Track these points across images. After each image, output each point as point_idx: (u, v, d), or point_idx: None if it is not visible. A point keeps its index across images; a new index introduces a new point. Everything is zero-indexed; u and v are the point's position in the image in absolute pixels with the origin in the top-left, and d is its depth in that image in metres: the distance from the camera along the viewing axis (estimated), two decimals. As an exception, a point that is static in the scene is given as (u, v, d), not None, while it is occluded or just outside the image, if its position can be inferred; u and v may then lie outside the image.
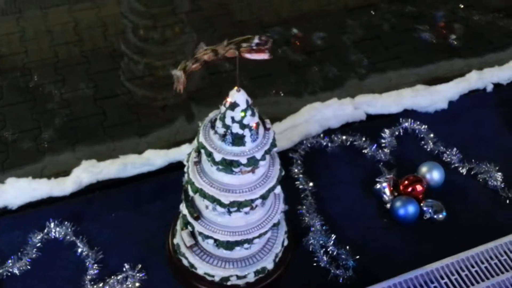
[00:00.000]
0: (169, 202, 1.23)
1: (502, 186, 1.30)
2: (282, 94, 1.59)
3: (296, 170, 1.33)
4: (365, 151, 1.39)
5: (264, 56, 0.86)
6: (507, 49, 1.69)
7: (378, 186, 1.29)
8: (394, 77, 1.62)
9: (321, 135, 1.41)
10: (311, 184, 1.30)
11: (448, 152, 1.37)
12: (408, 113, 1.49)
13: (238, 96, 0.88)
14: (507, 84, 1.59)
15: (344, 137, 1.42)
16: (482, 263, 1.04)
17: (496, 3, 1.96)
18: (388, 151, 1.39)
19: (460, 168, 1.34)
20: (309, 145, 1.39)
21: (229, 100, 0.89)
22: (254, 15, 2.07)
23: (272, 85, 1.62)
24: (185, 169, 1.01)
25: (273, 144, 0.95)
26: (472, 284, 1.00)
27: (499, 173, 1.32)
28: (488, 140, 1.44)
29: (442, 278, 1.03)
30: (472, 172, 1.34)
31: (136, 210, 1.26)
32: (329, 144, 1.39)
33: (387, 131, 1.42)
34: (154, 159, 1.30)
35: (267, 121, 0.96)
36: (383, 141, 1.41)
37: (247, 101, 0.89)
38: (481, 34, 1.83)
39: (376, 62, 1.69)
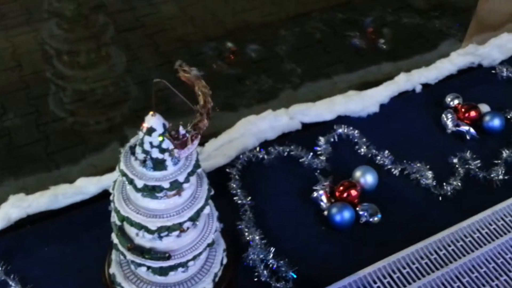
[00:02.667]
0: (104, 231, 1.19)
1: (434, 184, 1.35)
2: (217, 110, 1.62)
3: (234, 186, 1.33)
4: (302, 160, 1.41)
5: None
6: (434, 50, 1.77)
7: (315, 194, 1.31)
8: (327, 84, 1.66)
9: (258, 148, 1.42)
10: (249, 198, 1.31)
11: (380, 155, 1.41)
12: (342, 119, 1.52)
13: (154, 121, 0.87)
14: (435, 84, 1.65)
15: (281, 148, 1.43)
16: (413, 263, 1.07)
17: (422, 5, 2.05)
18: (324, 159, 1.41)
19: (393, 170, 1.38)
20: (246, 159, 1.40)
21: (145, 125, 0.87)
22: (197, 28, 2.09)
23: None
24: (111, 198, 0.99)
25: (196, 165, 0.94)
26: (404, 286, 1.02)
27: (430, 172, 1.36)
28: (418, 140, 1.49)
29: (375, 282, 1.05)
30: (405, 173, 1.38)
31: (71, 242, 1.22)
32: (266, 156, 1.40)
33: (322, 138, 1.45)
34: (86, 187, 1.27)
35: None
36: (319, 149, 1.43)
37: (164, 125, 0.88)
38: (409, 36, 1.90)
39: (309, 71, 1.73)
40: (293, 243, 1.22)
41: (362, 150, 1.43)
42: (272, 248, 1.19)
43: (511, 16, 1.90)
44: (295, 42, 1.89)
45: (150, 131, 0.88)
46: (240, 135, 1.42)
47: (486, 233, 1.10)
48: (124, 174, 0.91)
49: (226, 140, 1.41)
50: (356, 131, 1.47)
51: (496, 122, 1.48)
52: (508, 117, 1.53)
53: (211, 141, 1.41)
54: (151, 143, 0.88)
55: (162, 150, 0.89)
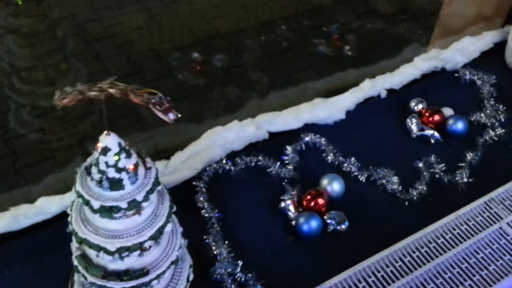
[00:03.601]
0: (67, 251, 1.16)
1: (400, 189, 1.36)
2: (184, 122, 1.61)
3: (201, 199, 1.31)
4: (270, 170, 1.40)
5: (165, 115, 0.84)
6: (398, 55, 1.79)
7: (282, 204, 1.30)
8: (294, 92, 1.67)
9: (224, 159, 1.41)
10: (216, 211, 1.29)
11: (347, 162, 1.42)
12: (309, 127, 1.53)
13: (108, 140, 0.85)
14: (400, 89, 1.67)
15: (248, 159, 1.42)
16: (379, 271, 1.07)
17: (386, 11, 2.07)
18: (291, 168, 1.41)
19: (360, 176, 1.39)
20: (213, 171, 1.38)
21: (100, 145, 0.86)
22: (165, 37, 2.07)
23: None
24: (69, 219, 0.97)
25: (156, 183, 0.92)
26: (370, 294, 1.03)
27: (396, 177, 1.37)
28: (384, 145, 1.50)
29: (342, 292, 1.05)
30: (371, 179, 1.39)
31: (33, 264, 1.18)
32: (233, 168, 1.39)
33: (289, 147, 1.45)
34: (48, 206, 1.23)
35: (148, 159, 0.93)
36: (286, 158, 1.43)
37: (119, 144, 0.86)
38: (374, 42, 1.93)
39: (276, 79, 1.74)
40: (261, 255, 1.21)
41: (329, 157, 1.44)
42: (240, 262, 1.17)
43: (473, 20, 1.94)
44: (261, 51, 1.90)
45: (105, 150, 0.86)
46: (206, 146, 1.41)
47: (450, 238, 1.12)
48: (80, 195, 0.89)
49: (192, 152, 1.40)
50: (323, 139, 1.47)
51: (460, 126, 1.50)
52: (471, 119, 1.56)
53: (177, 154, 1.39)
54: (106, 162, 0.86)
55: (119, 170, 0.87)
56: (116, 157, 0.86)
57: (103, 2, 3.10)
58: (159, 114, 0.84)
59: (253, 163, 1.41)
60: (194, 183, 1.34)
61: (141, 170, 0.92)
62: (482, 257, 1.08)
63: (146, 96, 0.84)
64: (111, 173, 0.87)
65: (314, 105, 1.56)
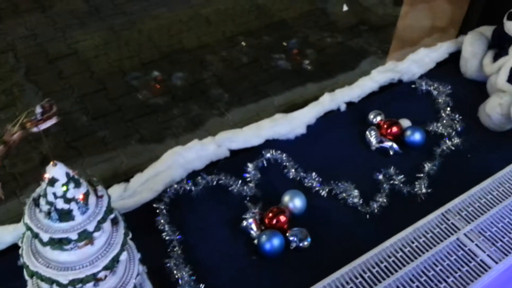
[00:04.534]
0: (23, 281, 1.13)
1: (361, 202, 1.37)
2: (144, 142, 1.59)
3: (162, 221, 1.29)
4: (231, 188, 1.40)
5: (52, 121, 0.82)
6: (356, 68, 1.82)
7: (244, 223, 1.30)
8: (254, 109, 1.67)
9: (185, 179, 1.40)
10: (178, 233, 1.28)
11: (308, 177, 1.42)
12: (270, 143, 1.53)
13: (55, 170, 0.83)
14: (359, 102, 1.69)
15: (209, 177, 1.41)
16: (339, 288, 1.08)
17: (345, 25, 2.11)
18: (253, 185, 1.41)
19: (321, 191, 1.40)
20: (173, 191, 1.37)
21: (47, 176, 0.83)
22: (131, 52, 2.05)
23: (132, 134, 1.60)
24: (20, 252, 0.93)
25: (108, 211, 0.90)
26: (331, 312, 1.03)
27: (357, 190, 1.39)
28: (345, 159, 1.51)
29: (303, 312, 1.05)
30: (333, 193, 1.40)
31: (-14, 298, 1.15)
32: (193, 188, 1.38)
33: (250, 165, 1.44)
34: (1, 236, 1.20)
35: (99, 187, 0.91)
36: (247, 175, 1.43)
37: (67, 174, 0.84)
38: (333, 56, 1.95)
39: (236, 96, 1.74)
40: (224, 276, 1.20)
41: (291, 173, 1.44)
42: (202, 285, 1.16)
43: (428, 31, 1.99)
44: (222, 67, 1.90)
45: (52, 181, 0.83)
46: (167, 167, 1.39)
47: (409, 251, 1.13)
48: (29, 228, 0.86)
49: (152, 173, 1.38)
50: (284, 155, 1.48)
51: (417, 136, 1.53)
52: (429, 130, 1.59)
53: (137, 176, 1.37)
54: (54, 193, 0.84)
55: (67, 200, 0.85)
56: (64, 188, 0.84)
57: (65, 20, 3.06)
58: (45, 126, 0.83)
59: (215, 182, 1.40)
60: (154, 205, 1.32)
61: (92, 199, 0.89)
62: (440, 270, 1.09)
63: (26, 130, 0.83)
64: (60, 204, 0.84)
65: (275, 120, 1.56)
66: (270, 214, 1.30)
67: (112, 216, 0.93)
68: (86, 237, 0.87)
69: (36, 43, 2.99)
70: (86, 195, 0.88)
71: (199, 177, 1.39)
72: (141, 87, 1.82)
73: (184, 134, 1.62)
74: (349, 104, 1.67)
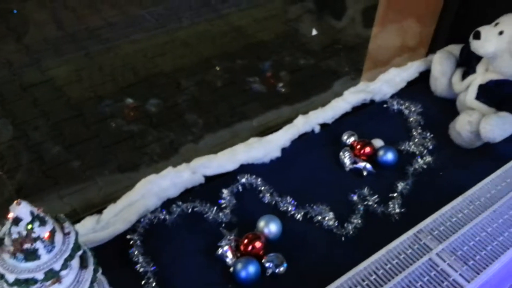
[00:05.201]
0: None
1: (336, 224, 1.38)
2: (118, 171, 1.58)
3: (136, 253, 1.27)
4: (207, 215, 1.39)
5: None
6: (329, 90, 1.85)
7: (220, 251, 1.29)
8: (229, 133, 1.67)
9: (159, 208, 1.39)
10: (152, 264, 1.26)
11: (284, 201, 1.43)
12: (245, 168, 1.53)
13: (19, 209, 0.82)
14: (332, 123, 1.71)
15: (184, 205, 1.40)
16: (314, 315, 1.07)
17: (318, 46, 2.14)
18: (229, 211, 1.40)
19: (296, 215, 1.40)
20: (147, 221, 1.35)
21: (11, 215, 0.82)
22: (106, 78, 2.04)
23: (105, 163, 1.59)
24: (-15, 294, 0.91)
25: (75, 248, 0.89)
26: None
27: (331, 212, 1.39)
28: (320, 181, 1.52)
29: None
30: (308, 216, 1.40)
31: None
32: (168, 217, 1.37)
33: (225, 191, 1.44)
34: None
35: (66, 224, 0.90)
36: (223, 201, 1.42)
37: (31, 212, 0.83)
38: (306, 78, 1.98)
39: (211, 120, 1.74)
40: (199, 306, 1.19)
41: (266, 197, 1.44)
42: (177, 316, 1.15)
43: (399, 51, 2.03)
44: (196, 92, 1.90)
45: (17, 220, 0.82)
46: (140, 196, 1.38)
47: (382, 273, 1.13)
48: (-7, 270, 0.85)
49: (126, 204, 1.37)
50: (259, 179, 1.48)
51: (390, 156, 1.55)
52: (401, 149, 1.62)
53: (110, 207, 1.35)
54: (19, 233, 0.83)
55: (33, 239, 0.83)
56: (29, 226, 0.83)
57: (40, 46, 3.05)
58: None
59: (190, 210, 1.39)
60: (128, 236, 1.30)
61: (58, 236, 0.88)
62: (414, 290, 1.10)
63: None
64: (25, 243, 0.83)
65: (249, 145, 1.57)
66: (245, 241, 1.29)
67: (80, 252, 0.92)
68: (53, 276, 0.85)
69: (10, 72, 2.96)
70: (52, 233, 0.87)
71: (174, 205, 1.39)
72: (115, 114, 1.81)
73: (159, 161, 1.62)
74: (323, 125, 1.69)
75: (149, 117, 1.78)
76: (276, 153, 1.58)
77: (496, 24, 1.60)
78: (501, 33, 1.56)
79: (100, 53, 2.55)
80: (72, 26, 2.89)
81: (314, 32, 1.95)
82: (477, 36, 1.59)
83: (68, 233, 0.90)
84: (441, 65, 1.78)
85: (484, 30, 1.59)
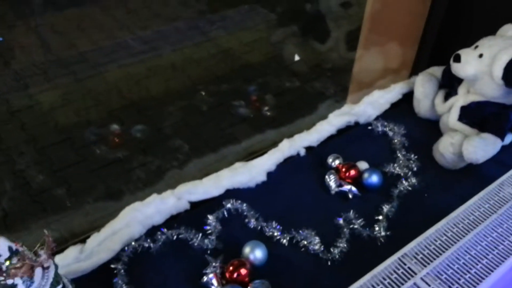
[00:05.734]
0: None
1: (322, 249, 1.37)
2: (102, 199, 1.58)
3: (120, 282, 1.26)
4: (192, 242, 1.38)
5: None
6: (314, 113, 1.86)
7: (205, 278, 1.28)
8: (214, 158, 1.68)
9: (144, 236, 1.38)
10: (136, 294, 1.25)
11: (269, 226, 1.42)
12: (231, 193, 1.53)
13: (-4, 245, 0.81)
14: (317, 146, 1.72)
15: (169, 232, 1.39)
16: None
17: (302, 69, 2.17)
18: (214, 238, 1.39)
19: (282, 240, 1.39)
20: (132, 250, 1.34)
21: (-12, 252, 0.81)
22: (93, 103, 2.03)
23: (91, 189, 1.59)
24: (-38, 331, 0.90)
25: (55, 283, 0.88)
26: None
27: (317, 237, 1.39)
28: (305, 205, 1.52)
29: None
30: (294, 241, 1.40)
31: None
32: (152, 245, 1.36)
33: (210, 217, 1.43)
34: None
35: (45, 258, 0.90)
36: (208, 227, 1.42)
37: (10, 248, 0.82)
38: (291, 101, 2.00)
39: (196, 145, 1.74)
40: (184, 337, 1.17)
41: (252, 223, 1.44)
42: None
43: (382, 73, 2.06)
44: (181, 117, 1.91)
45: (-6, 257, 0.81)
46: (125, 225, 1.37)
47: (367, 299, 1.13)
48: (-30, 307, 0.83)
49: (109, 232, 1.35)
50: (245, 204, 1.48)
51: (374, 179, 1.56)
52: (386, 171, 1.63)
53: (93, 236, 1.34)
54: (-3, 269, 0.82)
55: (11, 275, 0.82)
56: (7, 263, 0.82)
57: (27, 71, 3.05)
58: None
59: (175, 237, 1.38)
60: (112, 265, 1.29)
61: (37, 271, 0.87)
62: (399, 316, 1.10)
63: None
64: (3, 279, 0.82)
65: (235, 170, 1.57)
66: (231, 268, 1.28)
67: (60, 287, 0.91)
68: (31, 312, 0.84)
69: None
70: (31, 268, 0.86)
71: (159, 233, 1.38)
72: (101, 140, 1.81)
73: (144, 188, 1.61)
74: (308, 148, 1.70)
75: (134, 143, 1.78)
76: (261, 177, 1.58)
77: (476, 47, 1.63)
78: (480, 56, 1.59)
79: (88, 77, 2.55)
80: (60, 51, 2.90)
81: (297, 57, 1.98)
82: (458, 59, 1.62)
83: (48, 267, 0.89)
84: (424, 87, 1.80)
85: (464, 53, 1.62)
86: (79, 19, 3.33)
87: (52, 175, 2.08)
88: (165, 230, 1.38)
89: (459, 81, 1.72)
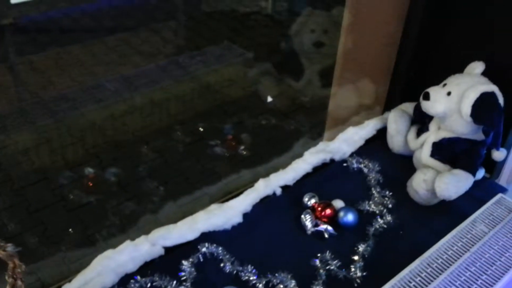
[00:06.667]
0: None
1: (298, 292, 1.36)
2: (74, 247, 1.55)
3: (90, 335, 1.23)
4: (166, 290, 1.36)
5: None
6: (290, 151, 1.88)
7: (179, 328, 1.25)
8: (190, 201, 1.67)
9: (116, 285, 1.35)
10: None
11: (245, 270, 1.41)
12: (206, 236, 1.51)
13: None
14: (294, 185, 1.73)
15: (143, 280, 1.36)
16: None
17: (278, 106, 2.20)
18: (189, 284, 1.37)
19: (258, 284, 1.37)
20: (104, 300, 1.32)
21: None
22: (54, 156, 2.01)
23: (62, 238, 1.56)
24: None
25: None
26: None
27: (293, 280, 1.38)
28: (282, 246, 1.51)
29: None
30: (270, 285, 1.38)
31: None
32: (125, 294, 1.34)
33: (185, 262, 1.41)
34: None
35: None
36: (183, 274, 1.39)
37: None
38: (267, 140, 2.01)
39: (171, 189, 1.74)
40: None
41: (227, 267, 1.42)
42: None
43: (357, 109, 2.09)
44: (157, 158, 1.91)
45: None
46: (96, 274, 1.34)
47: None
48: None
49: (81, 282, 1.32)
50: (220, 248, 1.46)
51: (350, 217, 1.56)
52: (361, 209, 1.63)
53: (65, 286, 1.31)
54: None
55: None
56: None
57: (5, 110, 3.02)
58: None
59: (148, 285, 1.36)
60: (83, 318, 1.26)
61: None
62: None
63: None
64: None
65: (210, 212, 1.56)
66: (206, 316, 1.26)
67: None
68: None
69: None
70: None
71: (132, 281, 1.35)
72: (75, 183, 1.79)
73: (117, 235, 1.59)
74: (285, 187, 1.70)
75: (108, 187, 1.77)
76: (237, 219, 1.57)
77: (444, 85, 1.67)
78: (449, 93, 1.63)
79: (66, 116, 2.54)
80: (37, 89, 2.89)
81: (270, 98, 2.01)
82: (427, 97, 1.65)
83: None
84: (396, 124, 1.83)
85: (433, 91, 1.66)
86: (57, 56, 3.34)
87: (28, 217, 2.04)
88: (138, 278, 1.36)
89: (430, 117, 1.75)
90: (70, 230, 1.47)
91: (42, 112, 2.83)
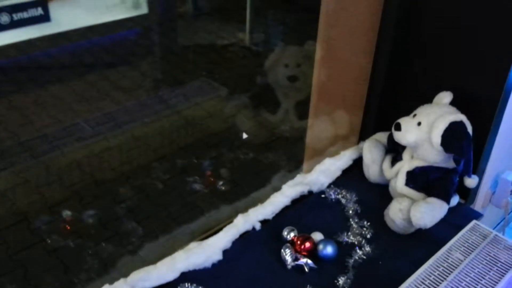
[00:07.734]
0: None
1: (280, 329, 1.36)
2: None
3: None
4: (146, 333, 1.35)
5: None
6: (268, 185, 1.90)
7: None
8: (169, 240, 1.66)
9: (95, 332, 1.34)
10: None
11: (226, 309, 1.40)
12: (186, 276, 1.50)
13: None
14: (273, 218, 1.74)
15: (122, 324, 1.36)
16: None
17: (255, 140, 2.23)
18: (169, 326, 1.37)
19: (239, 323, 1.38)
20: None
21: None
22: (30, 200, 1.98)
23: (41, 283, 1.54)
24: None
25: None
26: None
27: (274, 318, 1.38)
28: (262, 282, 1.51)
29: None
30: (251, 323, 1.38)
31: None
32: None
33: (165, 303, 1.41)
34: None
35: None
36: (163, 316, 1.39)
37: None
38: (246, 174, 2.04)
39: (150, 228, 1.74)
40: None
41: (208, 307, 1.41)
42: None
43: (333, 140, 2.13)
44: (135, 197, 1.91)
45: None
46: (75, 320, 1.33)
47: None
48: None
49: (59, 330, 1.31)
50: (201, 287, 1.46)
51: (329, 250, 1.57)
52: (340, 240, 1.64)
53: (41, 335, 1.29)
54: None
55: None
56: None
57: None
58: None
59: (128, 329, 1.34)
60: None
61: None
62: None
63: None
64: None
65: (189, 250, 1.55)
66: None
67: None
68: None
69: None
70: None
71: (111, 326, 1.34)
72: (49, 231, 1.77)
73: (95, 279, 1.57)
74: (264, 222, 1.71)
75: (86, 229, 1.75)
76: (217, 256, 1.56)
77: (414, 115, 1.72)
78: (419, 124, 1.68)
79: (45, 155, 2.52)
80: (16, 128, 2.88)
81: (245, 135, 2.05)
82: (398, 128, 1.70)
83: None
84: (371, 153, 1.87)
85: (404, 121, 1.71)
86: (36, 95, 3.34)
87: (8, 260, 1.99)
88: (118, 322, 1.34)
89: (403, 147, 1.79)
90: (46, 274, 1.44)
91: (21, 151, 2.81)
